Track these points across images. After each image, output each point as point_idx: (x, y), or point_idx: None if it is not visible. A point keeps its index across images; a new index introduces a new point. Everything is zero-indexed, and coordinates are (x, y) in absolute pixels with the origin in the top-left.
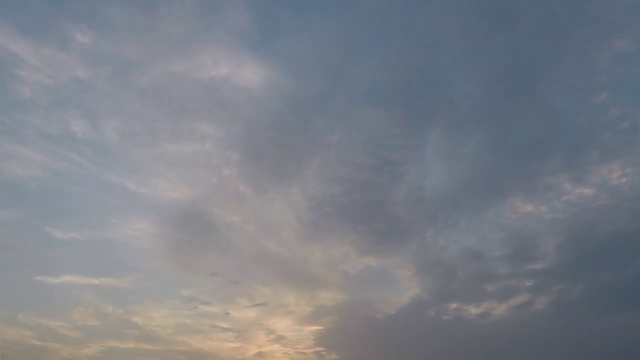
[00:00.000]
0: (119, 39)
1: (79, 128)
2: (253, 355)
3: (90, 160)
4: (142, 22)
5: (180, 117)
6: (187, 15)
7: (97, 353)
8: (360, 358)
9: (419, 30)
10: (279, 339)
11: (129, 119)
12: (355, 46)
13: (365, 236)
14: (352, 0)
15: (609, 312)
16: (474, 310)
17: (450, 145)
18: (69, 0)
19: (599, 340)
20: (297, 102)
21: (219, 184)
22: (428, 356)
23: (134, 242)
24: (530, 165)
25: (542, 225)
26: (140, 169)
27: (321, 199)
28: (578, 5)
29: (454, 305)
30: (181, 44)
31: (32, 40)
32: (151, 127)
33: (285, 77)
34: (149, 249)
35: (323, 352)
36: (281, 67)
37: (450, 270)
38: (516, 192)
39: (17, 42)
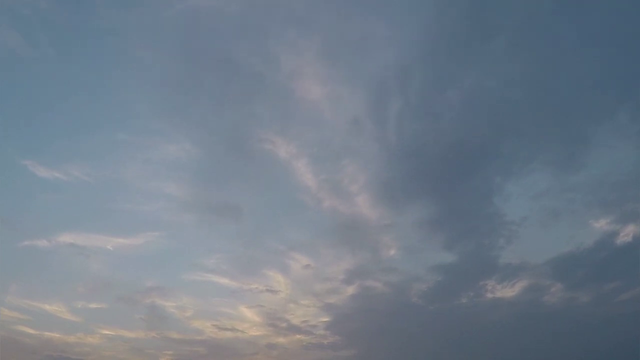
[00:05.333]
0: None
1: None
2: (264, 347)
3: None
4: None
5: None
6: None
7: (101, 343)
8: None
9: None
10: (302, 325)
11: None
12: None
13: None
14: None
15: None
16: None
17: None
18: None
19: None
20: None
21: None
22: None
23: (150, 184)
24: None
25: None
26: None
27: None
28: None
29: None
30: None
31: None
32: None
33: None
34: (170, 193)
35: (339, 342)
36: None
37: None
38: None
39: None
